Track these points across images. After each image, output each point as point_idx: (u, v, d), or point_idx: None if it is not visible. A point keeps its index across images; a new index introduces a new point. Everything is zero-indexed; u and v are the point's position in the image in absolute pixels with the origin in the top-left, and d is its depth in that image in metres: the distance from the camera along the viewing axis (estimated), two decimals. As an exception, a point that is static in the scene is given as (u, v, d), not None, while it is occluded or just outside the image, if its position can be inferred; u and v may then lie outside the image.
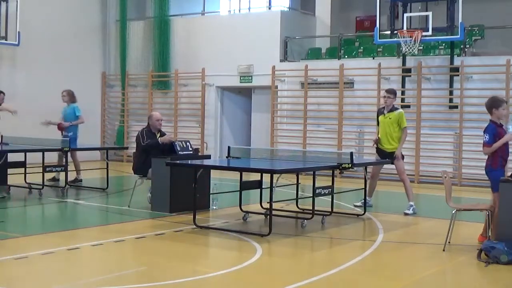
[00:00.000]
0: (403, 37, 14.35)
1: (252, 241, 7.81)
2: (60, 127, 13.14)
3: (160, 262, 6.81)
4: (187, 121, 18.53)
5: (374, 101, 15.49)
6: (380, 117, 10.57)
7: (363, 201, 10.28)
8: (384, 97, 10.66)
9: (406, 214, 10.04)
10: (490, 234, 7.51)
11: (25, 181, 12.02)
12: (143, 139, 10.07)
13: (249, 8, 20.46)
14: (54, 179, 13.03)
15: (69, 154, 12.27)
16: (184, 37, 18.60)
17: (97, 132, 19.69)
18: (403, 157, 10.53)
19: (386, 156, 10.39)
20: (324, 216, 9.25)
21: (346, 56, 17.06)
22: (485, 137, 7.53)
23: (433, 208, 10.99)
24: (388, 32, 15.39)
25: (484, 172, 7.85)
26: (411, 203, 10.21)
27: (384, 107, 10.59)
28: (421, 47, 15.22)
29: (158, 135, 10.32)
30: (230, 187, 10.97)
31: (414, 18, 15.42)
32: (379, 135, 10.57)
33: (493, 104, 7.72)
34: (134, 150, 10.90)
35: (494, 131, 7.54)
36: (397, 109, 10.59)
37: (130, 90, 19.46)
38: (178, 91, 18.54)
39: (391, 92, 10.61)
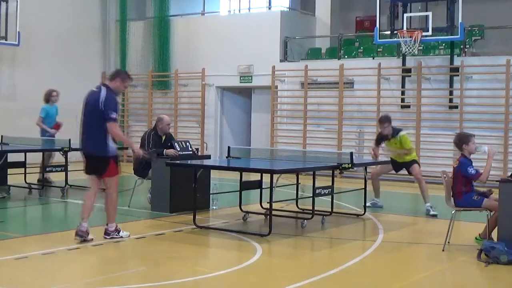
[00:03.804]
0: (403, 37, 14.35)
1: (252, 241, 7.81)
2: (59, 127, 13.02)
3: (160, 262, 6.81)
4: (187, 121, 18.54)
5: (374, 101, 15.50)
6: (386, 142, 10.49)
7: (373, 201, 10.37)
8: (380, 128, 10.47)
9: (433, 216, 9.89)
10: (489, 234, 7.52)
11: (25, 181, 12.02)
12: (149, 144, 10.00)
13: (249, 8, 20.46)
14: (46, 181, 12.82)
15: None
16: (184, 37, 18.60)
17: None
18: (419, 165, 10.47)
19: (402, 165, 10.45)
20: (324, 216, 9.25)
21: (346, 56, 17.06)
22: (471, 170, 7.45)
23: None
24: (388, 32, 15.39)
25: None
26: (429, 203, 10.10)
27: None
28: (421, 47, 15.22)
29: (164, 137, 10.31)
30: (230, 187, 10.97)
31: (414, 18, 15.41)
32: (391, 156, 10.61)
33: (463, 140, 7.68)
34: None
35: (471, 163, 7.52)
36: (398, 132, 10.36)
37: (130, 90, 19.42)
38: (178, 91, 18.55)
39: (383, 122, 10.32)
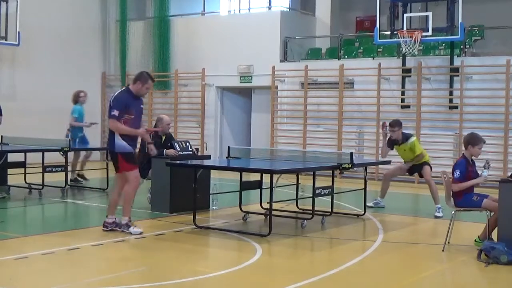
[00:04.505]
0: (403, 37, 14.35)
1: (252, 241, 7.81)
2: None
3: (160, 262, 6.81)
4: (187, 121, 18.54)
5: (374, 101, 15.50)
6: (396, 147, 10.47)
7: (375, 200, 10.33)
8: (390, 131, 10.40)
9: (437, 217, 9.87)
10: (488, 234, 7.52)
11: (25, 181, 12.03)
12: None
13: (249, 8, 20.46)
14: (76, 180, 13.17)
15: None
16: (184, 37, 18.60)
17: (97, 132, 19.64)
18: (431, 167, 10.42)
19: (414, 168, 10.45)
20: (324, 216, 9.25)
21: (346, 56, 17.06)
22: (457, 173, 7.45)
23: (433, 209, 10.97)
24: (388, 32, 15.39)
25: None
26: (439, 205, 10.04)
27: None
28: (421, 47, 15.21)
29: (164, 137, 10.30)
30: (230, 187, 10.97)
31: (414, 18, 15.42)
32: (404, 160, 10.59)
33: (471, 141, 7.64)
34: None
35: (464, 168, 7.50)
36: (408, 138, 10.37)
37: (130, 90, 19.41)
38: (178, 91, 18.55)
39: (393, 126, 10.29)
